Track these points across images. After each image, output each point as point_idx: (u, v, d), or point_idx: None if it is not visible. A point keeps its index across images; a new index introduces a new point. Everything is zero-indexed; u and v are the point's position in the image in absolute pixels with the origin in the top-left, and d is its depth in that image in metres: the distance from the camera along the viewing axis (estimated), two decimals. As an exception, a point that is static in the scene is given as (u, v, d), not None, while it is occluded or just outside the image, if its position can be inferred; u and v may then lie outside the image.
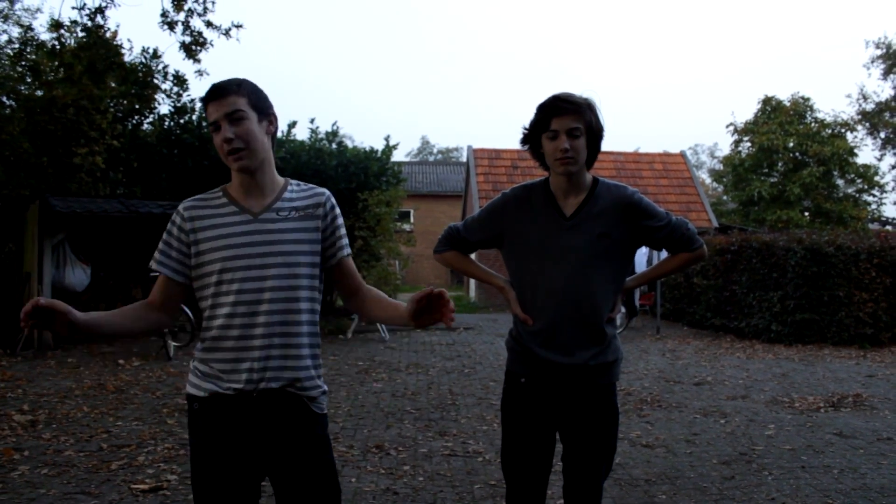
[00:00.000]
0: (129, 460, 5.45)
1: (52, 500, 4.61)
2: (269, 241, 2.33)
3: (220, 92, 2.30)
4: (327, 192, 2.49)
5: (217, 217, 2.36)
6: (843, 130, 30.09)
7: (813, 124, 29.93)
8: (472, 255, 3.11)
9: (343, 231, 2.49)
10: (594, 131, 2.69)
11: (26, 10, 23.83)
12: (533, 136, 2.76)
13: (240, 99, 2.30)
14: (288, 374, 2.33)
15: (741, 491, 4.87)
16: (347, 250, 2.48)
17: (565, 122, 2.63)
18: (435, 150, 68.92)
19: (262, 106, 2.36)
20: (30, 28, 12.44)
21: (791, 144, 29.42)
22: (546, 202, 2.76)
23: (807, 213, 29.78)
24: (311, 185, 2.49)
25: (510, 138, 73.63)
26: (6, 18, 14.77)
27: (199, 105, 15.98)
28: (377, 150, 16.86)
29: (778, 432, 6.46)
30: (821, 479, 5.14)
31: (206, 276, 2.35)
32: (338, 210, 2.49)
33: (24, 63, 12.60)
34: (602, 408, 2.76)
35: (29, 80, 12.93)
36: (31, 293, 11.47)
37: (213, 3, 10.66)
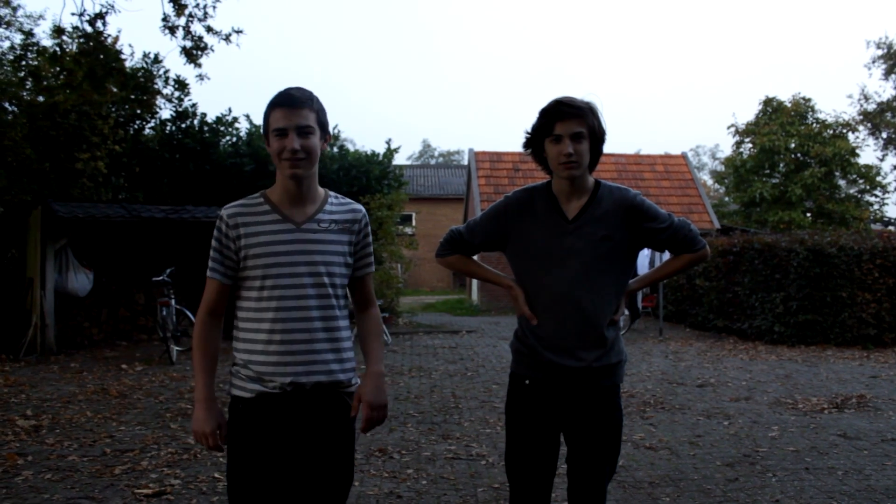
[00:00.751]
0: (132, 465, 5.45)
1: (56, 505, 4.61)
2: (309, 250, 2.45)
3: (295, 102, 2.42)
4: (363, 209, 2.65)
5: (261, 224, 2.46)
6: (844, 131, 30.08)
7: (814, 125, 29.92)
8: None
9: (371, 249, 2.65)
10: (597, 135, 2.71)
11: (28, 16, 23.87)
12: (536, 141, 2.77)
13: (311, 114, 2.44)
14: (328, 374, 2.47)
15: (745, 493, 4.86)
16: (371, 269, 2.67)
17: (569, 126, 2.64)
18: (436, 154, 68.92)
19: (324, 123, 2.52)
20: (31, 34, 12.46)
21: (792, 145, 29.41)
22: (549, 205, 2.77)
23: (809, 214, 29.76)
24: (348, 200, 2.64)
25: (511, 141, 73.76)
26: (8, 25, 14.80)
27: (199, 110, 16.01)
28: (379, 154, 16.88)
29: (782, 434, 6.45)
30: (825, 480, 5.13)
31: (250, 280, 2.46)
32: (369, 228, 2.65)
33: (25, 68, 12.62)
34: (606, 409, 2.76)
35: (30, 85, 12.94)
36: (33, 298, 11.48)
37: (214, 7, 10.67)
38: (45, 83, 12.16)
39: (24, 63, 12.64)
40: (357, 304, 2.70)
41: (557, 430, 2.79)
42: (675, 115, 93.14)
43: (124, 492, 4.85)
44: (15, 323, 11.81)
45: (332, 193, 2.61)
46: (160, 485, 4.97)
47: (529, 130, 2.79)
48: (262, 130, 2.56)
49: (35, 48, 12.38)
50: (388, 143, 17.30)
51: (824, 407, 7.57)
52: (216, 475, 5.18)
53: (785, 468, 5.41)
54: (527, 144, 2.82)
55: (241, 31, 10.86)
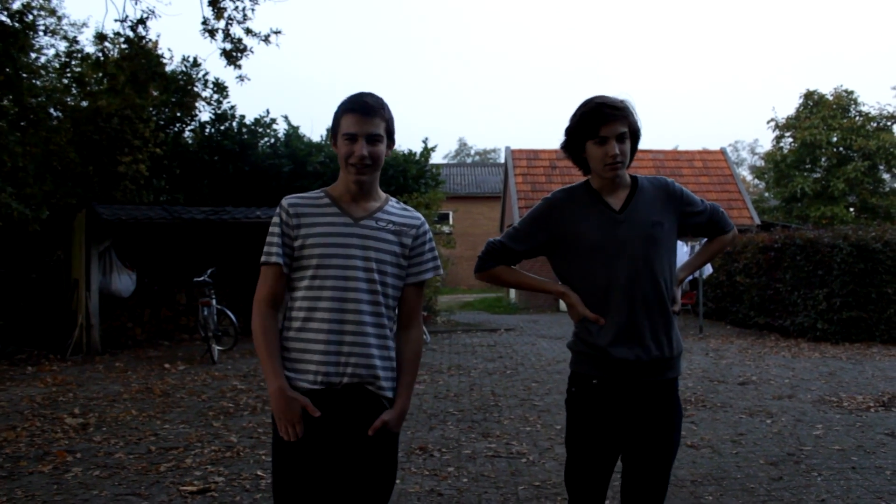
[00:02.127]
0: (176, 462, 5.54)
1: (105, 501, 4.71)
2: (365, 245, 2.49)
3: (368, 110, 2.48)
4: (423, 218, 2.68)
5: (320, 216, 2.51)
6: (888, 123, 29.51)
7: (857, 118, 29.40)
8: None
9: (427, 257, 2.64)
10: (636, 133, 2.74)
11: (73, 24, 24.35)
12: (576, 142, 2.75)
13: (382, 123, 2.51)
14: (370, 374, 2.48)
15: (790, 492, 4.80)
16: (424, 276, 2.63)
17: (614, 128, 2.65)
18: (472, 152, 68.93)
19: (391, 132, 2.58)
20: (75, 41, 12.70)
21: (834, 139, 28.94)
22: (593, 200, 2.76)
23: (852, 209, 29.26)
24: (411, 209, 2.68)
25: (548, 139, 73.40)
26: (54, 33, 15.08)
27: (238, 112, 16.21)
28: (415, 153, 16.94)
29: (826, 432, 6.35)
30: (873, 480, 5.04)
31: (302, 269, 2.50)
32: (429, 236, 2.65)
33: (69, 75, 12.88)
34: (670, 404, 2.74)
35: (75, 91, 13.21)
36: (79, 299, 11.72)
37: (253, 10, 10.78)
38: (88, 88, 12.40)
39: (68, 70, 12.90)
40: (400, 318, 2.64)
41: (620, 431, 2.73)
42: (713, 110, 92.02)
43: (170, 489, 4.93)
44: (62, 323, 12.08)
45: (392, 199, 2.65)
46: (204, 482, 5.05)
47: (569, 131, 2.76)
48: (330, 131, 2.61)
49: (79, 55, 12.61)
50: (424, 142, 17.37)
51: (870, 405, 7.43)
52: (259, 472, 5.25)
53: (831, 467, 5.33)
54: (566, 146, 2.80)
55: (279, 32, 10.95)
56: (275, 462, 2.52)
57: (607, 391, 2.71)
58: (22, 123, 11.92)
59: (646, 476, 2.74)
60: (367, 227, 2.51)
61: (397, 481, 4.99)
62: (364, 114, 2.47)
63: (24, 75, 11.75)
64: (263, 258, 2.49)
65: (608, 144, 2.65)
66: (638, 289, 2.66)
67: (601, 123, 2.65)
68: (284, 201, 2.54)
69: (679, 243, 13.15)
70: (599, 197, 2.76)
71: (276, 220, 2.53)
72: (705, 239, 3.03)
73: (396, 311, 2.62)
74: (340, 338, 2.44)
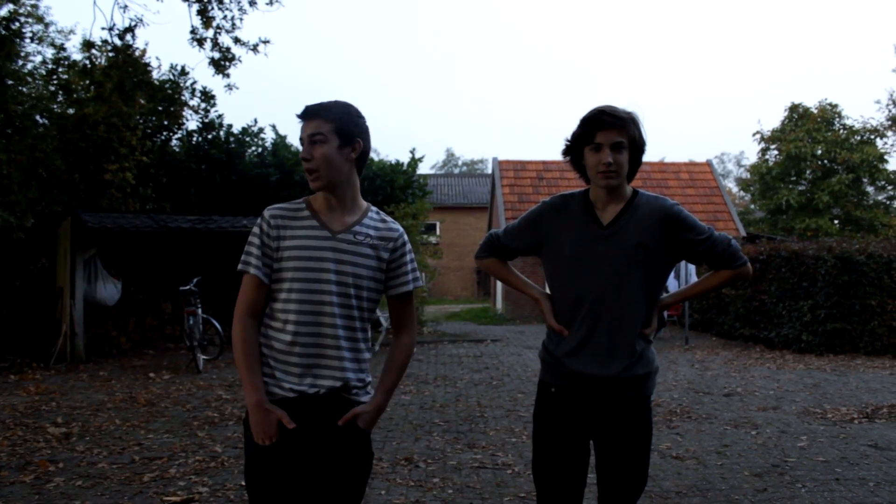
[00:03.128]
0: (160, 472, 5.50)
1: (87, 512, 4.67)
2: (341, 259, 2.47)
3: (307, 114, 2.48)
4: (402, 230, 2.66)
5: (300, 228, 2.50)
6: (872, 137, 29.78)
7: (841, 131, 29.67)
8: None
9: (409, 268, 2.64)
10: (637, 145, 2.69)
11: (60, 31, 24.27)
12: (575, 148, 2.75)
13: (325, 124, 2.45)
14: (344, 385, 2.48)
15: (774, 503, 4.81)
16: (406, 288, 2.63)
17: (610, 135, 2.63)
18: (460, 163, 69.09)
19: (348, 132, 2.50)
20: (62, 48, 12.69)
21: (819, 152, 29.18)
22: (584, 211, 2.75)
23: (836, 222, 29.48)
24: (390, 220, 2.66)
25: (535, 150, 73.71)
26: (41, 40, 15.04)
27: (226, 121, 16.20)
28: (403, 163, 16.97)
29: (811, 444, 6.38)
30: (856, 491, 5.07)
31: (280, 281, 2.48)
32: (409, 247, 2.65)
33: (56, 82, 12.85)
34: (633, 422, 2.71)
35: (61, 98, 13.17)
36: (63, 307, 11.65)
37: (241, 19, 10.81)
38: (75, 96, 12.38)
39: (55, 77, 12.87)
40: (392, 326, 2.71)
41: (586, 439, 2.76)
42: (699, 122, 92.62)
43: (153, 499, 4.90)
44: (46, 331, 11.99)
45: (373, 208, 2.63)
46: (188, 492, 5.02)
47: (569, 138, 2.77)
48: None
49: (66, 62, 12.61)
50: (412, 152, 17.40)
51: (854, 417, 7.47)
52: (243, 483, 5.21)
53: (815, 479, 5.35)
54: (566, 152, 2.80)
55: (268, 42, 10.99)
56: (247, 467, 2.50)
57: (565, 400, 2.73)
58: (7, 130, 11.87)
59: (611, 494, 2.75)
60: (345, 241, 2.49)
61: (382, 492, 5.00)
62: (305, 118, 2.47)
63: (10, 82, 11.70)
64: (240, 266, 2.48)
65: (602, 152, 2.63)
66: (605, 306, 2.65)
67: (598, 129, 2.64)
68: (267, 212, 2.52)
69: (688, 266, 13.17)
70: (591, 209, 2.75)
71: (256, 229, 2.51)
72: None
73: (371, 315, 2.63)
74: (315, 350, 2.44)
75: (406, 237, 2.65)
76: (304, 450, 2.44)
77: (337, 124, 2.47)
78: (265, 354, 2.49)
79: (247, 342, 2.46)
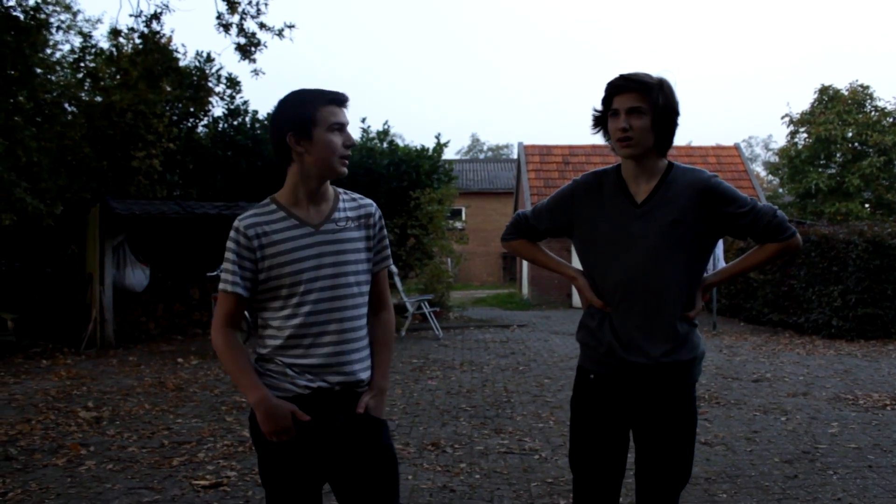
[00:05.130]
0: (189, 457, 5.56)
1: (118, 494, 4.72)
2: (334, 251, 2.42)
3: (347, 99, 2.46)
4: (374, 203, 2.59)
5: (280, 232, 2.40)
6: (905, 119, 29.21)
7: (873, 113, 29.13)
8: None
9: (387, 243, 2.59)
10: (663, 112, 2.50)
11: (87, 20, 24.46)
12: (604, 118, 2.61)
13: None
14: (357, 374, 2.44)
15: (805, 490, 4.76)
16: (386, 263, 2.60)
17: (626, 100, 2.48)
18: (485, 148, 68.90)
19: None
20: (89, 36, 12.78)
21: (850, 134, 28.69)
22: (617, 189, 2.61)
23: (867, 205, 29.01)
24: (358, 196, 2.58)
25: (561, 134, 73.27)
26: (68, 29, 15.15)
27: (251, 107, 16.23)
28: (428, 149, 16.91)
29: (842, 430, 6.30)
30: (890, 479, 4.99)
31: (275, 289, 2.40)
32: (383, 221, 2.59)
33: (83, 70, 12.94)
34: (676, 410, 2.59)
35: (88, 86, 13.27)
36: (93, 293, 11.78)
37: (266, 4, 10.80)
38: (102, 84, 12.45)
39: (82, 65, 12.96)
40: (370, 305, 2.55)
41: (625, 428, 2.64)
42: (727, 105, 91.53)
43: (182, 483, 4.94)
44: (76, 317, 12.15)
45: (339, 190, 2.55)
46: (217, 476, 5.06)
47: (596, 109, 2.64)
48: (287, 128, 2.46)
49: (93, 50, 12.68)
50: (437, 137, 17.34)
51: (887, 403, 7.37)
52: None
53: (847, 465, 5.28)
54: (595, 123, 2.66)
55: (293, 26, 10.98)
56: (263, 465, 2.46)
57: (605, 388, 2.63)
58: (37, 119, 11.98)
59: (650, 485, 2.64)
60: (329, 231, 2.42)
61: (409, 476, 5.00)
62: (345, 103, 2.45)
63: (39, 71, 11.80)
64: (220, 285, 2.41)
65: (618, 118, 2.50)
66: (640, 288, 2.53)
67: (615, 94, 2.52)
68: (240, 224, 2.38)
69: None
70: (624, 186, 2.61)
71: (231, 244, 2.40)
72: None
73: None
74: (328, 349, 2.38)
75: (380, 210, 2.58)
76: (321, 445, 2.40)
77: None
78: (271, 367, 2.42)
79: (231, 346, 2.40)
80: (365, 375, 2.46)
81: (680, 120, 2.57)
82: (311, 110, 2.37)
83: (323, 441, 2.40)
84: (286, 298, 2.39)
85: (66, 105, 13.15)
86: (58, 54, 15.07)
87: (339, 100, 2.42)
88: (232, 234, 2.40)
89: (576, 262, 2.89)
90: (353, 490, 2.43)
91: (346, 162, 2.43)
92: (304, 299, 2.37)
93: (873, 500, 4.57)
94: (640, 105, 2.48)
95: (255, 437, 2.46)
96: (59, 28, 13.78)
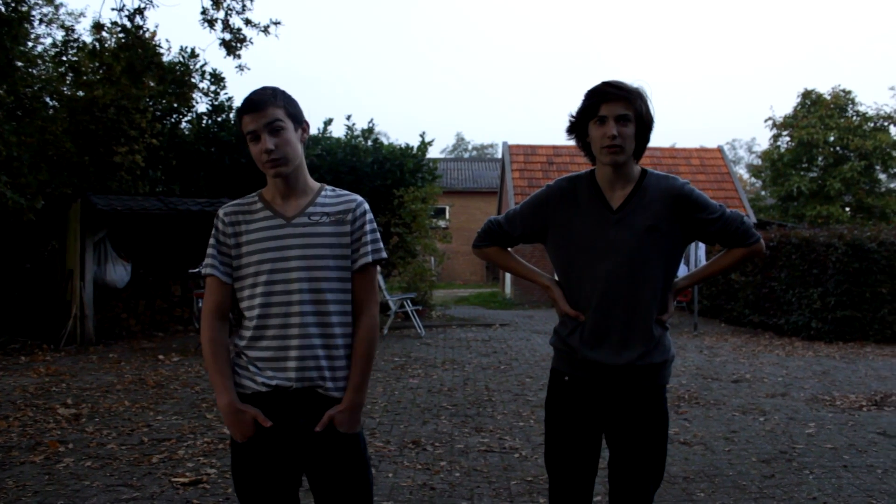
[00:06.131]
0: (169, 454, 5.54)
1: (96, 491, 4.70)
2: (298, 244, 2.41)
3: (258, 105, 2.39)
4: (361, 199, 2.54)
5: (254, 222, 2.45)
6: (885, 124, 29.48)
7: (854, 118, 29.40)
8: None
9: (369, 238, 2.50)
10: (644, 121, 2.57)
11: (70, 13, 24.26)
12: (580, 124, 2.63)
13: (277, 110, 2.40)
14: (320, 375, 2.41)
15: (781, 489, 4.80)
16: (367, 259, 2.48)
17: (614, 108, 2.51)
18: (470, 147, 68.88)
19: (296, 114, 2.47)
20: (72, 30, 12.63)
21: (832, 138, 28.93)
22: (592, 194, 2.65)
23: (848, 209, 29.29)
24: (346, 192, 2.56)
25: (545, 135, 73.40)
26: (50, 22, 15.03)
27: (235, 103, 16.16)
28: (412, 147, 16.91)
29: (819, 431, 6.36)
30: (864, 478, 5.05)
31: (243, 278, 2.45)
32: (369, 217, 2.52)
33: (65, 64, 12.83)
34: (649, 412, 2.64)
35: (70, 80, 13.15)
36: (73, 289, 11.70)
37: (252, 0, 10.75)
38: (84, 78, 12.35)
39: (64, 59, 12.84)
40: (353, 303, 2.49)
41: (599, 430, 2.68)
42: (711, 108, 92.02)
43: (161, 480, 4.93)
44: (56, 313, 12.05)
45: (328, 187, 2.55)
46: (196, 473, 5.05)
47: (574, 113, 2.65)
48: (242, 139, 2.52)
49: (76, 44, 12.56)
50: (421, 136, 17.33)
51: (863, 404, 7.45)
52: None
53: (822, 465, 5.34)
54: (571, 128, 2.68)
55: (279, 23, 10.94)
56: (233, 464, 2.49)
57: (578, 390, 2.66)
58: (18, 112, 11.86)
59: (623, 485, 2.68)
60: (301, 224, 2.42)
61: (389, 475, 5.01)
62: (255, 110, 2.38)
63: (20, 64, 11.68)
64: (201, 269, 2.48)
65: (606, 125, 2.52)
66: (619, 292, 2.57)
67: (602, 102, 2.53)
68: (221, 211, 2.49)
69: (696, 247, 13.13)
70: (599, 192, 2.64)
71: (213, 231, 2.49)
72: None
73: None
74: (283, 343, 2.38)
75: (366, 206, 2.53)
76: (286, 446, 2.40)
77: (287, 108, 2.43)
78: (239, 354, 2.45)
79: (214, 343, 2.43)
80: (332, 383, 2.42)
81: (655, 126, 2.65)
82: (239, 125, 2.45)
83: (285, 442, 2.40)
84: (252, 287, 2.42)
85: (48, 99, 13.02)
86: (39, 48, 14.95)
87: (247, 108, 2.41)
88: (215, 221, 2.50)
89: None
90: (322, 497, 2.46)
91: (274, 167, 2.40)
92: (268, 289, 2.39)
93: (848, 499, 4.63)
94: (628, 113, 2.53)
95: (231, 439, 2.49)
96: (41, 21, 13.67)
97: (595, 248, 2.60)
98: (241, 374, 2.44)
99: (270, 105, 2.39)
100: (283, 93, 2.48)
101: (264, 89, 2.45)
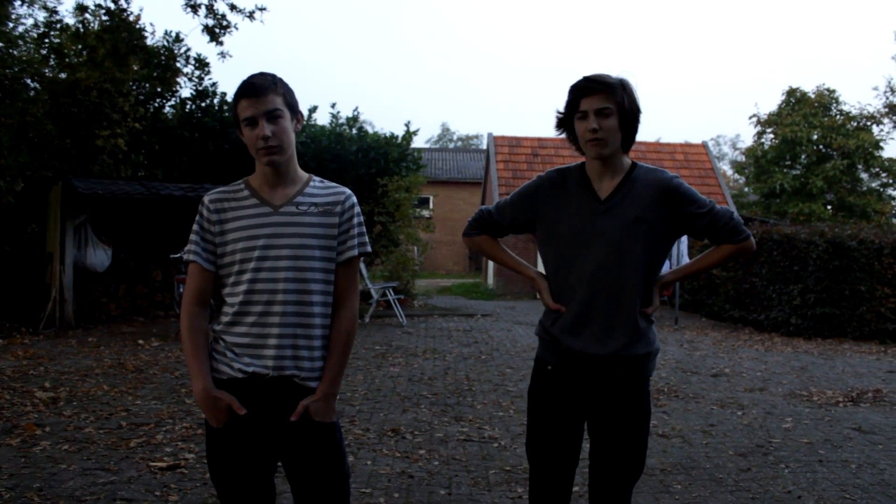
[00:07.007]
0: (147, 438, 5.51)
1: (73, 475, 4.67)
2: (284, 233, 2.40)
3: (258, 90, 2.37)
4: (349, 192, 2.54)
5: (240, 209, 2.44)
6: (868, 123, 29.72)
7: (838, 117, 29.60)
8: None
9: (356, 231, 2.51)
10: (628, 112, 2.58)
11: (52, -7, 23.91)
12: (568, 120, 2.65)
13: (277, 97, 2.39)
14: (298, 365, 2.41)
15: (757, 483, 4.85)
16: (352, 252, 2.49)
17: (594, 101, 2.53)
18: (455, 137, 68.82)
19: (293, 104, 2.46)
20: (55, 11, 12.49)
21: (815, 137, 29.12)
22: (581, 186, 2.66)
23: (829, 207, 29.51)
24: (335, 185, 2.56)
25: (530, 126, 73.44)
26: (32, 3, 14.79)
27: (220, 89, 16.05)
28: (397, 136, 16.87)
29: (795, 425, 6.43)
30: (838, 473, 5.11)
31: (228, 265, 2.44)
32: (357, 210, 2.53)
33: (47, 45, 12.68)
34: (631, 403, 2.64)
35: (53, 62, 13.01)
36: (53, 273, 11.60)
37: (238, -15, 10.68)
38: (67, 60, 12.22)
39: (46, 40, 12.69)
40: (335, 295, 2.49)
41: (580, 419, 2.69)
42: (695, 105, 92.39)
43: (139, 464, 4.90)
44: (34, 297, 11.95)
45: (316, 178, 2.54)
46: (174, 458, 5.03)
47: (560, 110, 2.68)
48: (234, 121, 2.49)
49: (58, 26, 12.41)
50: (406, 125, 17.29)
51: (839, 400, 7.53)
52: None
53: (798, 460, 5.39)
54: (559, 125, 2.70)
55: (264, 9, 10.89)
56: (208, 449, 2.49)
57: (561, 378, 2.67)
58: (-2, 94, 11.72)
59: (603, 476, 2.69)
60: (288, 213, 2.42)
61: (368, 462, 5.01)
62: (255, 95, 2.36)
63: (0, 45, 11.54)
64: (182, 254, 2.47)
65: (588, 119, 2.55)
66: (604, 282, 2.58)
67: (582, 96, 2.56)
68: (206, 198, 2.47)
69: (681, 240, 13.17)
70: (588, 183, 2.66)
71: (197, 217, 2.47)
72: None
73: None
74: (265, 330, 2.38)
75: (354, 199, 2.54)
76: (261, 434, 2.40)
77: (285, 97, 2.42)
78: (218, 339, 2.45)
79: (192, 330, 2.42)
80: (309, 373, 2.42)
81: (642, 118, 2.65)
82: (234, 107, 2.43)
83: (260, 430, 2.40)
84: (238, 274, 2.41)
85: (29, 81, 12.85)
86: (20, 28, 14.74)
87: (247, 93, 2.38)
88: (199, 207, 2.47)
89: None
90: (298, 485, 2.47)
91: (268, 154, 2.39)
92: (254, 276, 2.38)
93: (822, 493, 4.68)
94: (608, 106, 2.54)
95: (206, 424, 2.48)
96: (22, 1, 13.46)
97: (582, 238, 2.61)
98: (219, 359, 2.44)
99: (271, 92, 2.38)
100: (283, 81, 2.46)
101: (264, 75, 2.43)
